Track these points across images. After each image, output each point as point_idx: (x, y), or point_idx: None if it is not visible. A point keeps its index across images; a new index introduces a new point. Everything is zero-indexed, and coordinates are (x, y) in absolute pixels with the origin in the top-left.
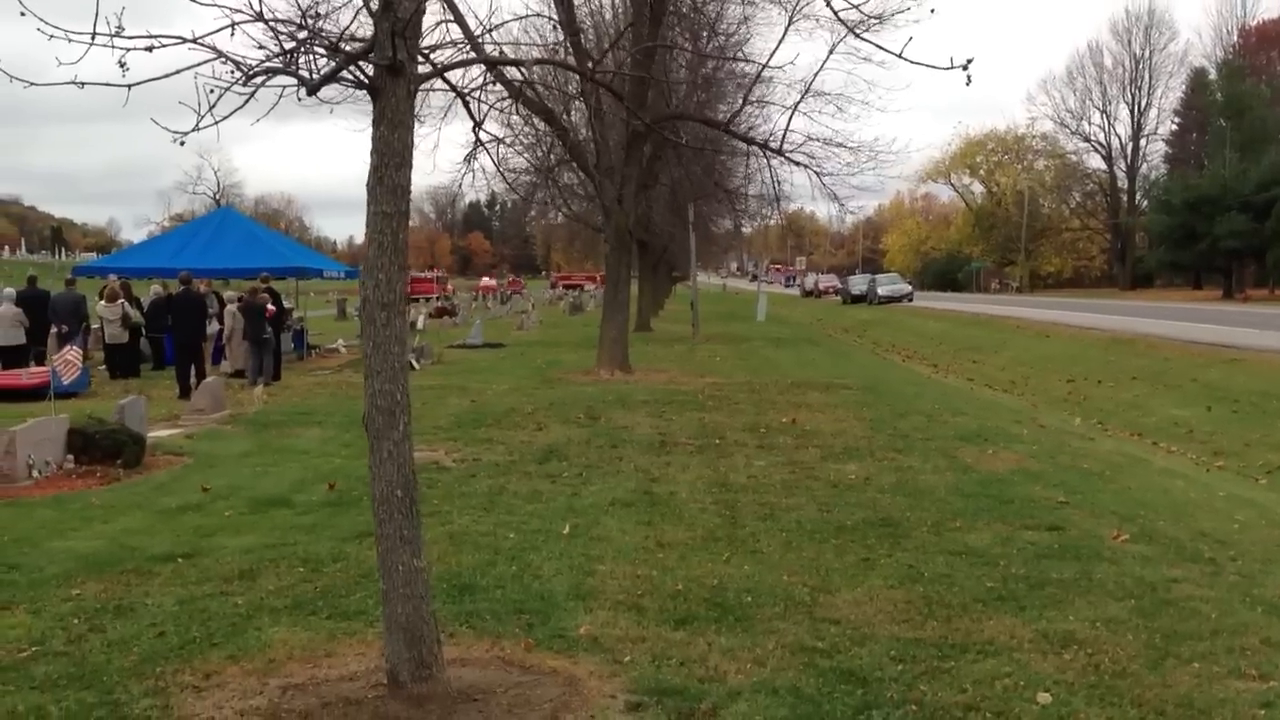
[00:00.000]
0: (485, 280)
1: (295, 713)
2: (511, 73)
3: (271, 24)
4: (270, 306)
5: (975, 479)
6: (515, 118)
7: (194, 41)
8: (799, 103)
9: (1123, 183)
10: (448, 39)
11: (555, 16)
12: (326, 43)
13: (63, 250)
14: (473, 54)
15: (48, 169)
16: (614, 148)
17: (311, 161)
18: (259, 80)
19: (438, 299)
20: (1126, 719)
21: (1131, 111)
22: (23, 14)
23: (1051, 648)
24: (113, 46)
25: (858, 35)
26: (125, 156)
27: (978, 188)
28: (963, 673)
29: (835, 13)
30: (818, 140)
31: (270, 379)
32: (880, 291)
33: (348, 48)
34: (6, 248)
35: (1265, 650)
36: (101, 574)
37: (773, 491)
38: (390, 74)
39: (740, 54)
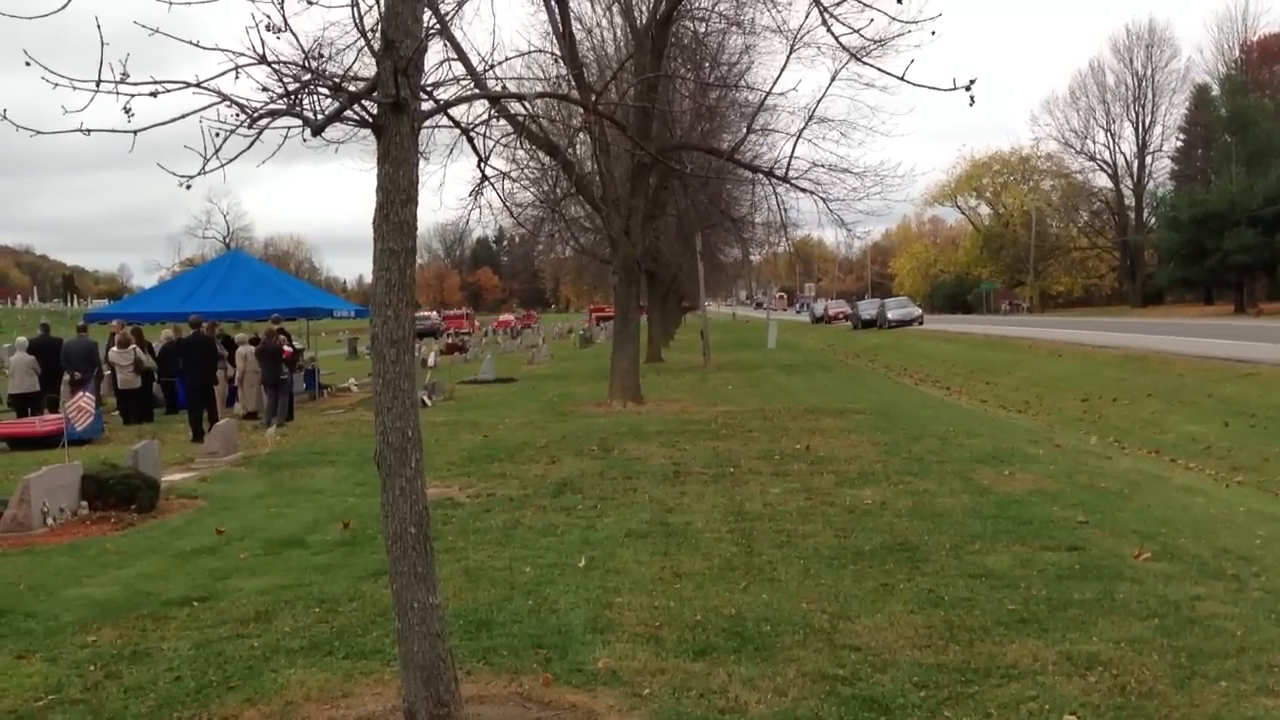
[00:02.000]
0: (504, 316)
1: None
2: (515, 108)
3: (275, 66)
4: (287, 348)
5: (993, 501)
6: (520, 152)
7: (198, 86)
8: (803, 130)
9: (1130, 200)
10: (451, 76)
11: (558, 52)
12: (330, 83)
13: (74, 298)
14: (476, 90)
15: (58, 218)
16: (619, 179)
17: (320, 202)
18: (264, 122)
19: (467, 334)
20: None
21: (1136, 129)
22: (28, 64)
23: (1076, 670)
24: (117, 93)
25: (860, 60)
26: (134, 203)
27: (984, 209)
28: (987, 697)
29: (837, 39)
30: (823, 166)
31: (283, 420)
32: (890, 315)
33: (351, 87)
34: (20, 296)
35: None
36: (117, 620)
37: (789, 519)
38: (394, 112)
39: (743, 83)
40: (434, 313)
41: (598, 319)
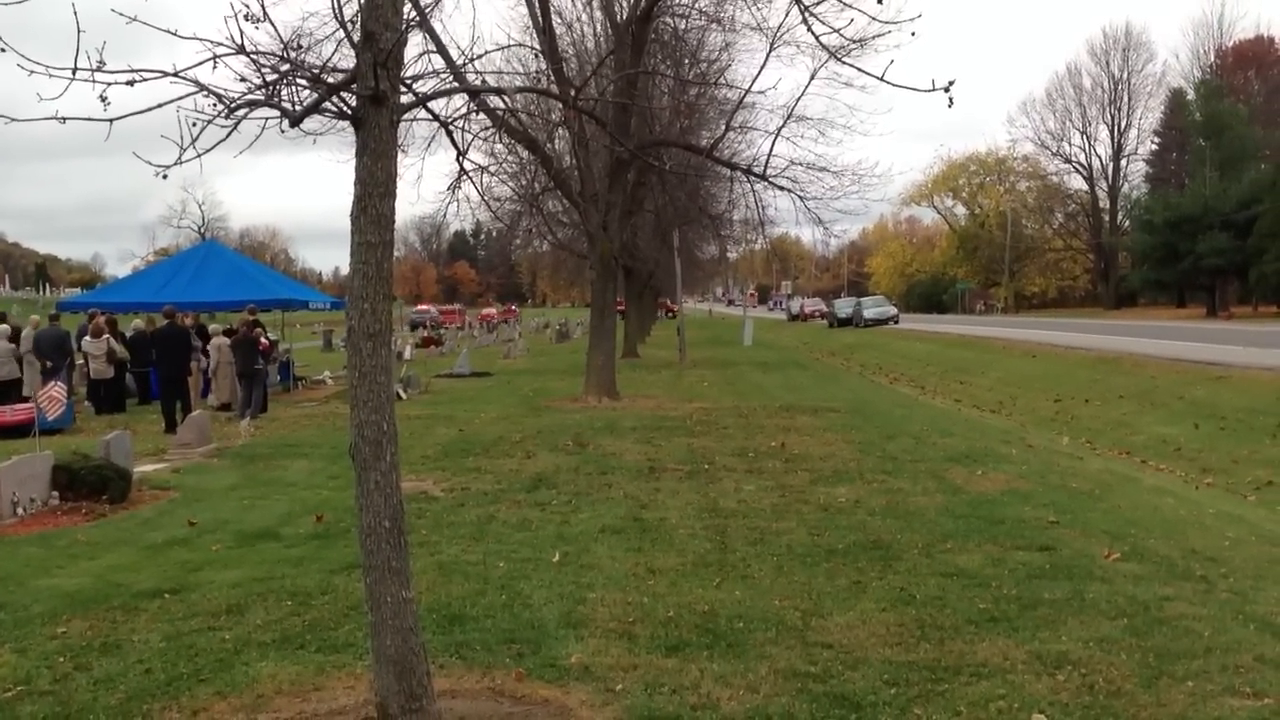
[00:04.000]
0: (486, 310)
1: None
2: (495, 102)
3: (253, 57)
4: (265, 340)
5: (965, 500)
6: (499, 146)
7: (176, 75)
8: (781, 128)
9: (1104, 203)
10: (430, 69)
11: (538, 46)
12: (309, 74)
13: (47, 286)
14: (455, 83)
15: (29, 205)
16: (598, 175)
17: (296, 193)
18: (241, 113)
19: (459, 327)
20: None
21: (1111, 132)
22: (2, 50)
23: (1045, 668)
24: (94, 81)
25: (839, 60)
26: (107, 191)
27: (961, 210)
28: (956, 695)
29: (817, 38)
30: (801, 165)
31: (257, 412)
32: (866, 314)
33: (330, 79)
34: None
35: (1259, 667)
36: (88, 611)
37: (763, 516)
38: (373, 104)
39: (722, 80)
40: (431, 307)
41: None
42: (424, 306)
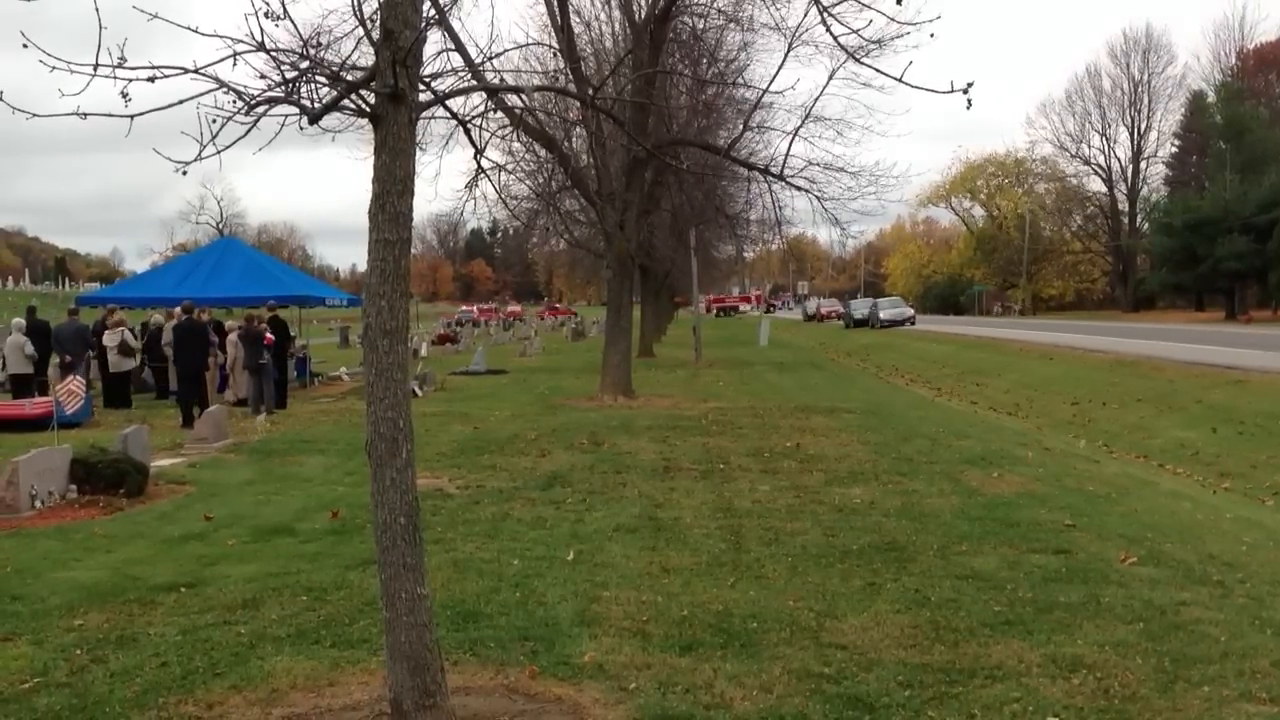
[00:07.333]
0: (512, 306)
1: None
2: (512, 100)
3: (273, 54)
4: (269, 335)
5: (981, 502)
6: (516, 145)
7: (196, 72)
8: (799, 128)
9: (1123, 205)
10: (449, 67)
11: (556, 45)
12: (328, 72)
13: (66, 281)
14: (474, 82)
15: (48, 199)
16: (615, 174)
17: (314, 190)
18: (261, 110)
19: (494, 323)
20: None
21: (1131, 134)
22: (25, 46)
23: (1060, 672)
24: (115, 77)
25: (858, 60)
26: (123, 185)
27: (978, 211)
28: (971, 698)
29: (835, 38)
30: (818, 165)
31: (274, 407)
32: (882, 315)
33: (349, 77)
34: (10, 278)
35: (1276, 673)
36: (104, 604)
37: (777, 516)
38: (392, 102)
39: (740, 80)
40: (474, 307)
41: (718, 309)
42: (467, 306)
